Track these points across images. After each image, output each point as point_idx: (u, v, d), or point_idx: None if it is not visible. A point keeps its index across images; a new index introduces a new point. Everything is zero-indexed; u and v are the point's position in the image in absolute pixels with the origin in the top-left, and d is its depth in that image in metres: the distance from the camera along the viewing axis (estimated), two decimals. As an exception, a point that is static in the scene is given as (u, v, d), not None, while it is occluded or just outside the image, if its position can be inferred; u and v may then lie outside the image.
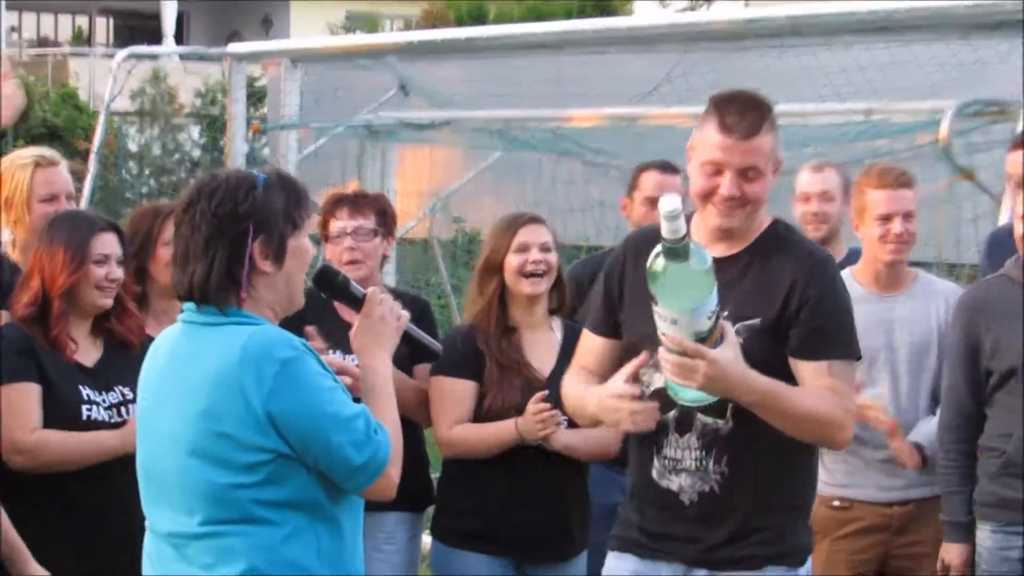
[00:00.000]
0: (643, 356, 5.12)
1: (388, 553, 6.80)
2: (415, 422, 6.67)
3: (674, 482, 5.37)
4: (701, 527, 5.39)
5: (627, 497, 5.62)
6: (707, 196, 5.31)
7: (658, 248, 4.87)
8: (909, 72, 11.31)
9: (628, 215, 7.69)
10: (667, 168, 7.73)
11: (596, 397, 5.23)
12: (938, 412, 6.78)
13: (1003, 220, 7.84)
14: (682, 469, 5.35)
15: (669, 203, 4.72)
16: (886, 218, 6.76)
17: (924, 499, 6.86)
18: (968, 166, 8.95)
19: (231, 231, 4.41)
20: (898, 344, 6.79)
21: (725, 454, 5.28)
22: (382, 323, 4.73)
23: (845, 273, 6.58)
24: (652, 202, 7.46)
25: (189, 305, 4.52)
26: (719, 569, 5.40)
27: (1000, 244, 7.39)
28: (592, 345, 5.48)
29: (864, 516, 6.75)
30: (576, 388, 5.44)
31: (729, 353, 4.95)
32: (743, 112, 5.27)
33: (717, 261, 5.01)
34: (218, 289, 4.42)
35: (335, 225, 6.86)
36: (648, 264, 4.93)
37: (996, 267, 7.08)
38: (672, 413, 5.31)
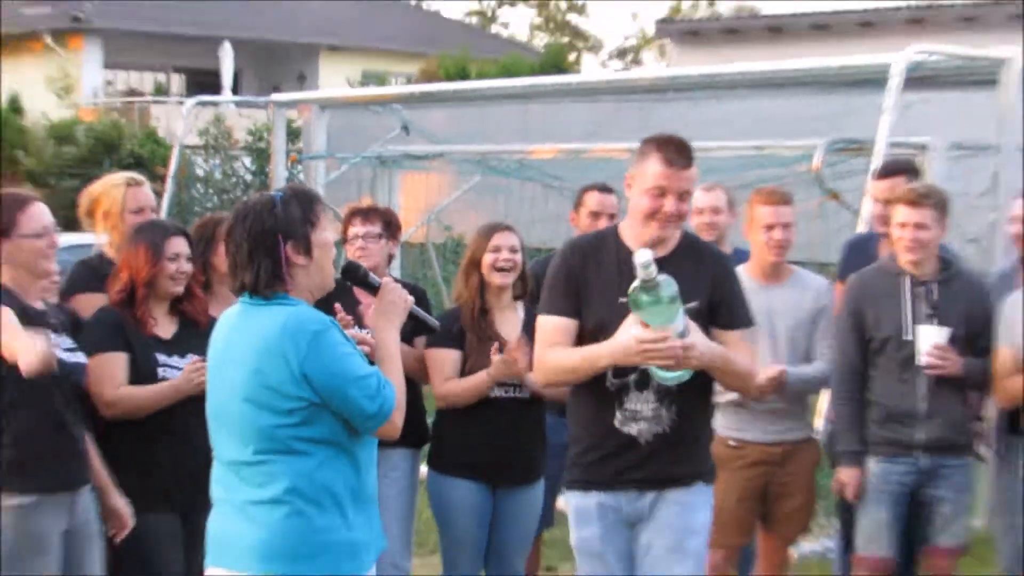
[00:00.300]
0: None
1: (394, 479, 6.76)
2: (416, 381, 6.69)
3: (634, 428, 5.41)
4: (652, 460, 5.44)
5: (581, 447, 5.56)
6: (652, 214, 5.35)
7: (637, 283, 4.96)
8: (790, 117, 11.37)
9: (576, 225, 7.64)
10: (605, 189, 7.67)
11: (610, 347, 5.20)
12: (817, 367, 6.83)
13: (860, 230, 7.90)
14: (641, 418, 5.40)
15: (643, 256, 4.89)
16: (770, 227, 6.76)
17: (797, 441, 6.88)
18: (834, 189, 8.98)
19: (265, 243, 4.50)
20: (777, 322, 6.79)
21: (675, 404, 5.36)
22: (392, 305, 4.78)
23: (738, 268, 6.68)
24: (594, 215, 7.54)
25: (243, 295, 4.60)
26: (665, 488, 5.47)
27: (854, 247, 7.51)
28: (560, 325, 5.42)
29: (752, 453, 6.74)
30: (563, 353, 5.40)
31: (701, 338, 5.14)
32: (680, 150, 5.36)
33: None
34: (266, 286, 4.51)
35: (350, 231, 6.90)
36: (631, 296, 5.03)
37: (851, 265, 7.19)
38: (632, 376, 5.36)
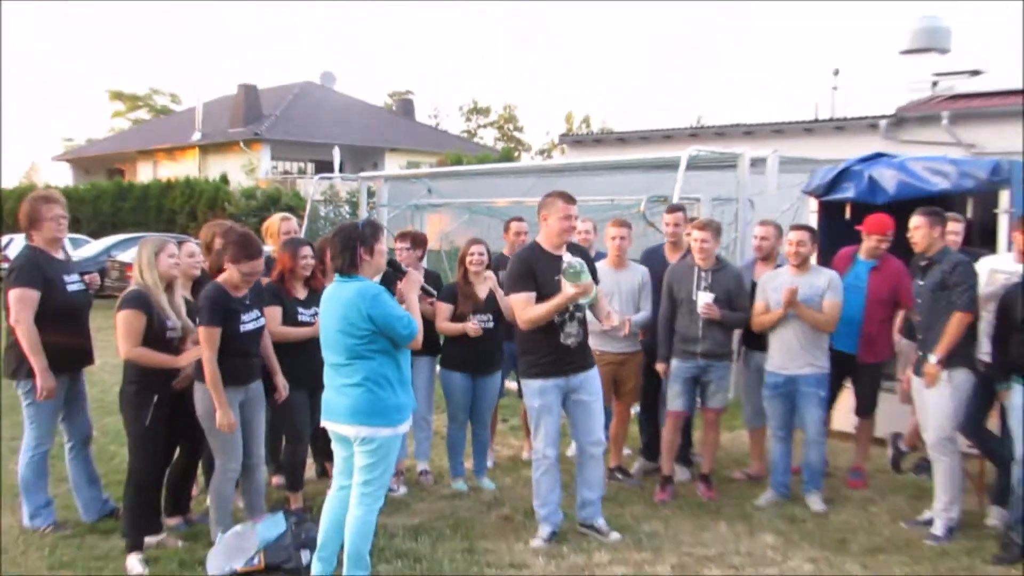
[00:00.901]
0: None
1: (421, 373, 6.66)
2: (433, 321, 6.60)
3: (569, 339, 5.47)
4: (573, 355, 5.51)
5: (538, 355, 5.47)
6: (565, 231, 5.46)
7: (565, 267, 5.19)
8: (629, 184, 11.29)
9: (505, 239, 7.55)
10: (519, 220, 7.59)
11: (559, 298, 5.26)
12: (643, 315, 6.71)
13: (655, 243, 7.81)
14: (570, 334, 5.47)
15: (571, 260, 5.20)
16: (614, 238, 6.73)
17: (630, 352, 6.76)
18: (652, 221, 8.93)
19: (350, 244, 4.55)
20: (623, 290, 6.70)
21: (581, 327, 5.49)
22: (411, 283, 4.84)
23: (600, 261, 6.62)
24: (517, 234, 7.42)
25: (338, 275, 4.60)
26: (580, 371, 5.54)
27: (649, 251, 7.39)
28: (529, 297, 5.39)
29: (607, 358, 6.61)
30: (535, 308, 5.36)
31: (594, 282, 5.34)
32: (569, 197, 5.45)
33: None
34: (348, 267, 4.55)
35: (398, 244, 6.71)
36: (564, 272, 5.20)
37: (646, 260, 7.11)
38: (567, 315, 5.45)
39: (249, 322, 5.28)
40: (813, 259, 6.51)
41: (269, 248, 6.62)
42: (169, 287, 5.38)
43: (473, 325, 6.44)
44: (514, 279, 5.48)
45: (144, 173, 37.47)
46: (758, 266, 6.89)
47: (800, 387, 6.32)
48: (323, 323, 4.68)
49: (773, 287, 6.41)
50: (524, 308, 5.40)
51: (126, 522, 5.32)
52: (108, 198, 29.06)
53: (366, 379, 4.55)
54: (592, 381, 5.63)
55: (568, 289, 5.20)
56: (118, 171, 40.23)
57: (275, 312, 5.86)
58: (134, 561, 5.17)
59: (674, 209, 7.24)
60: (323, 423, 4.74)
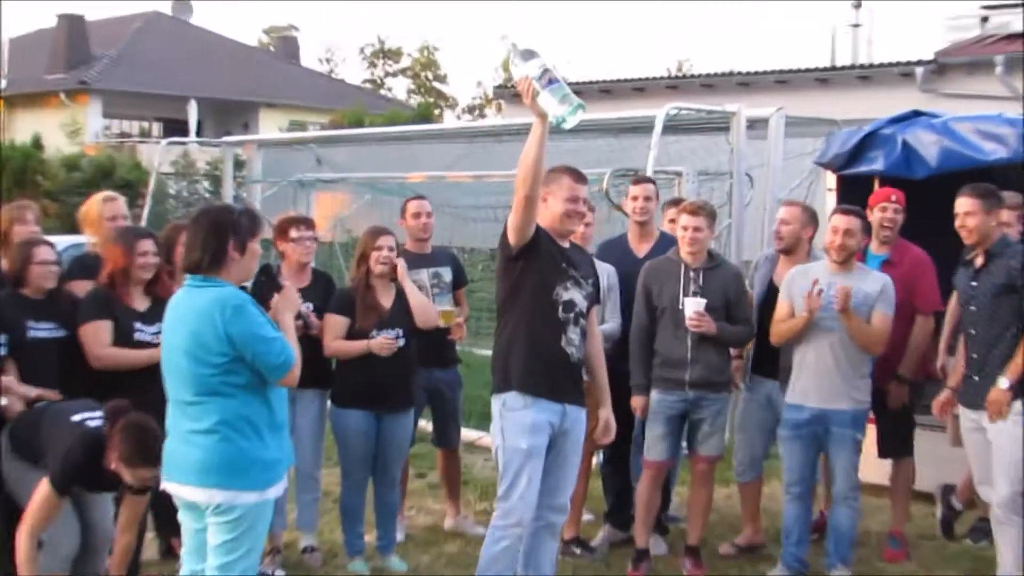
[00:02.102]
0: None
1: (307, 412, 6.62)
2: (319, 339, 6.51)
3: (571, 348, 5.41)
4: (573, 373, 5.46)
5: (532, 360, 5.32)
6: (570, 218, 5.39)
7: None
8: (586, 153, 11.25)
9: (402, 226, 7.38)
10: (420, 197, 7.52)
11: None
12: (609, 326, 6.69)
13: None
14: (572, 341, 5.39)
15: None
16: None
17: (587, 381, 6.60)
18: (617, 202, 8.90)
19: (218, 234, 4.49)
20: None
21: (582, 337, 5.46)
22: (289, 303, 4.80)
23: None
24: (416, 217, 7.30)
25: (190, 276, 4.51)
26: (574, 404, 5.46)
27: (606, 247, 7.35)
28: None
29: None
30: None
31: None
32: (579, 175, 5.46)
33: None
34: (208, 265, 4.46)
35: (296, 233, 6.59)
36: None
37: (603, 253, 7.07)
38: (572, 314, 5.37)
39: (39, 330, 5.44)
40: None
41: (88, 239, 6.53)
42: None
43: (385, 340, 6.36)
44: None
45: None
46: (782, 263, 6.80)
47: (832, 427, 6.26)
48: (166, 343, 4.59)
49: (803, 286, 6.23)
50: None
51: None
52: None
53: (222, 423, 4.42)
54: (581, 426, 5.52)
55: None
56: None
57: (101, 327, 5.82)
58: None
59: (642, 180, 7.21)
60: (164, 484, 4.63)
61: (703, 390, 6.41)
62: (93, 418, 5.36)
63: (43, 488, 5.18)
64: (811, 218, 6.83)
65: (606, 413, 5.69)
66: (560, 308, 5.33)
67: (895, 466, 7.06)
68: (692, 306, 6.31)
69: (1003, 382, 5.71)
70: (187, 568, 4.70)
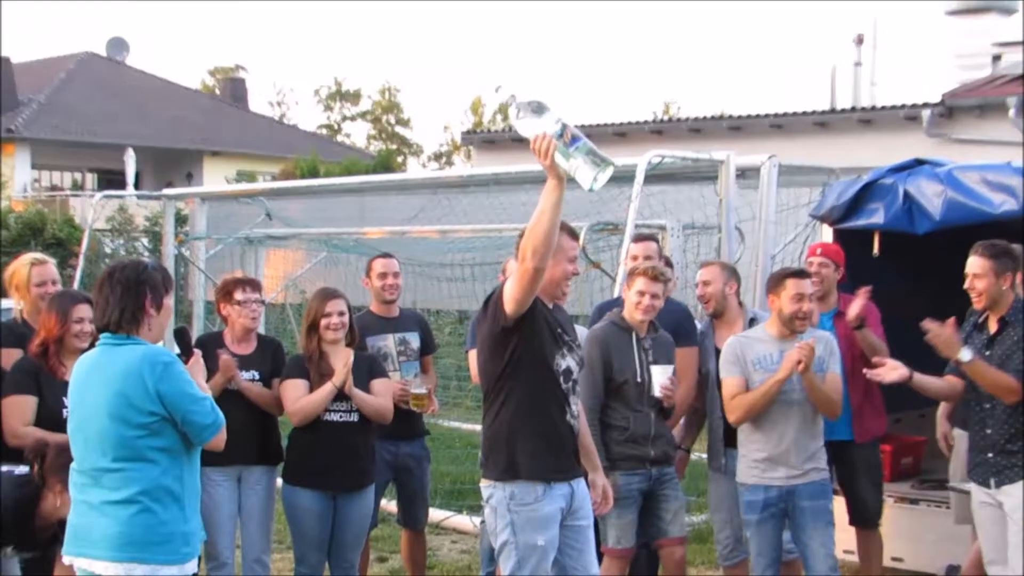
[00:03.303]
0: None
1: (256, 491, 6.68)
2: (272, 414, 6.66)
3: (573, 420, 5.39)
4: (575, 445, 5.44)
5: (539, 441, 5.25)
6: (566, 279, 5.41)
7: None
8: (563, 205, 11.40)
9: (367, 286, 7.55)
10: (387, 256, 7.61)
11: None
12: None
13: (616, 293, 7.86)
14: (574, 414, 5.40)
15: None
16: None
17: None
18: (596, 259, 9.01)
19: (133, 291, 4.66)
20: None
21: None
22: (199, 368, 4.90)
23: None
24: (382, 277, 7.40)
25: (105, 335, 4.69)
26: (578, 478, 5.45)
27: (601, 308, 7.39)
28: None
29: None
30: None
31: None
32: (572, 231, 5.51)
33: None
34: (128, 323, 4.65)
35: (241, 295, 6.69)
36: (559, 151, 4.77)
37: (598, 318, 7.06)
38: (570, 384, 5.35)
39: None
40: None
41: (13, 304, 6.56)
42: None
43: (346, 367, 6.44)
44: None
45: None
46: (717, 329, 6.94)
47: (801, 501, 6.34)
48: (80, 406, 4.69)
49: (756, 356, 6.36)
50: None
51: None
52: None
53: (143, 493, 4.55)
54: (587, 498, 5.52)
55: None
56: None
57: (25, 403, 5.87)
58: None
59: (643, 238, 7.30)
60: (70, 559, 4.72)
61: (663, 465, 6.51)
62: (12, 469, 5.43)
63: None
64: (732, 273, 7.00)
65: (601, 479, 5.72)
66: (561, 379, 5.32)
67: (862, 537, 7.22)
68: (662, 375, 6.40)
69: (966, 353, 5.88)
70: None
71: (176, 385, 4.54)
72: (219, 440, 4.69)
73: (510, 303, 5.09)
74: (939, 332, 6.01)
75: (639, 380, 6.43)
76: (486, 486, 5.36)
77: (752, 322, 6.78)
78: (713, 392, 6.84)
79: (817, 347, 6.22)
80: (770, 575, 6.46)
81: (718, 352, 6.71)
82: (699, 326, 7.28)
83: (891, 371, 6.20)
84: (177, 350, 5.04)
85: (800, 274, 6.47)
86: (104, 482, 4.57)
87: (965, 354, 5.94)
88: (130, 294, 4.63)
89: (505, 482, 5.26)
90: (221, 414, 4.67)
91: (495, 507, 5.29)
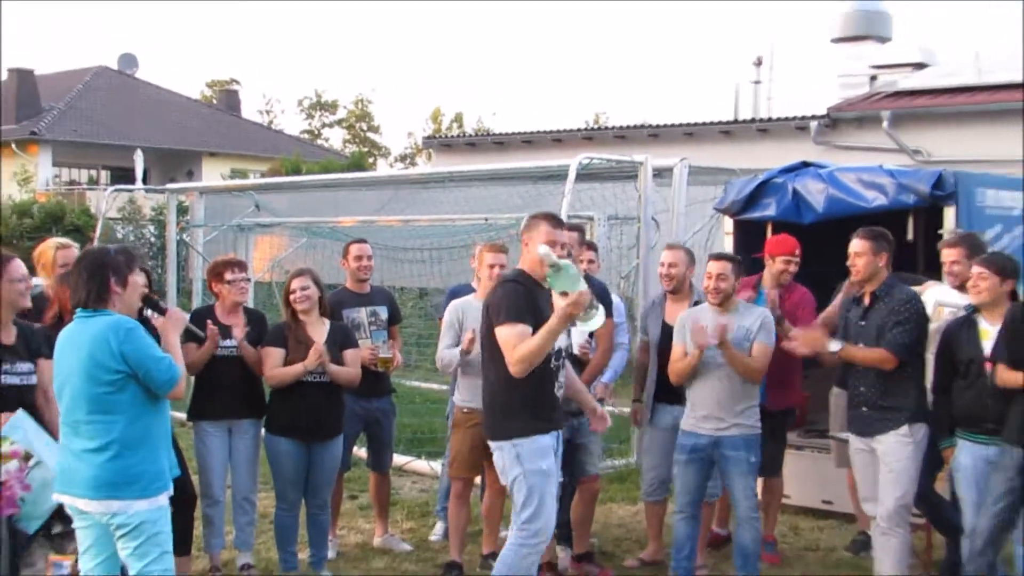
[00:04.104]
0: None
1: (244, 439, 6.66)
2: (256, 374, 6.61)
3: (559, 391, 5.48)
4: (560, 409, 5.53)
5: (536, 406, 5.35)
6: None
7: (548, 270, 5.04)
8: (506, 199, 11.41)
9: (344, 267, 7.46)
10: (361, 241, 7.54)
11: (552, 319, 5.10)
12: None
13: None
14: (560, 385, 5.48)
15: (543, 249, 5.07)
16: (492, 266, 6.58)
17: None
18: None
19: (97, 274, 4.68)
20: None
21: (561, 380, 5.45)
22: (175, 322, 4.99)
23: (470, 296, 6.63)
24: (358, 259, 7.36)
25: (80, 310, 4.71)
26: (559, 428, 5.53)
27: (454, 292, 7.38)
28: (525, 331, 5.19)
29: (476, 417, 6.31)
30: (529, 341, 5.16)
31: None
32: (557, 219, 5.52)
33: None
34: (94, 302, 4.67)
35: (230, 276, 6.64)
36: (548, 278, 5.09)
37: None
38: (561, 359, 5.46)
39: (13, 375, 5.18)
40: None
41: (41, 281, 6.45)
42: None
43: (317, 352, 6.40)
44: (511, 308, 5.27)
45: None
46: (668, 303, 6.92)
47: (726, 451, 6.33)
48: (60, 369, 4.71)
49: (698, 328, 6.34)
50: (517, 344, 5.21)
51: None
52: None
53: (114, 442, 4.59)
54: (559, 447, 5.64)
55: (564, 302, 5.02)
56: None
57: (45, 368, 5.70)
58: None
59: (570, 228, 7.32)
60: (57, 496, 4.78)
61: (580, 416, 6.40)
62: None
63: None
64: (692, 259, 6.99)
65: (598, 408, 5.84)
66: (552, 359, 5.37)
67: (766, 483, 7.24)
68: (580, 336, 6.47)
69: (834, 344, 5.95)
70: (84, 568, 4.82)
71: (137, 346, 4.58)
72: (177, 391, 4.72)
73: (518, 366, 5.21)
74: (804, 336, 6.14)
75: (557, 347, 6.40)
76: (495, 445, 5.47)
77: (697, 303, 6.75)
78: (652, 356, 6.85)
79: (748, 320, 6.33)
80: (689, 512, 6.49)
81: (663, 326, 6.77)
82: (652, 298, 7.34)
83: (802, 347, 6.26)
84: (157, 316, 5.09)
85: (717, 256, 6.51)
86: (82, 432, 4.63)
87: (834, 345, 6.04)
88: (95, 277, 4.66)
89: (508, 439, 5.36)
90: (177, 370, 4.69)
91: (505, 456, 5.40)
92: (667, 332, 6.71)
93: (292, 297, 6.60)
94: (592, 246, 7.42)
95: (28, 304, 5.52)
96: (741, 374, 6.25)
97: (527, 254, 5.39)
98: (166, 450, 4.78)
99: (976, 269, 5.82)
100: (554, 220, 5.48)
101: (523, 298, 5.28)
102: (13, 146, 33.78)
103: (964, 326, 5.89)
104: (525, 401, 5.35)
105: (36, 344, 5.35)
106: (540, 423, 5.37)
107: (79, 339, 4.62)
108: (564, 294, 5.02)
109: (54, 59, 75.44)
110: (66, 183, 35.51)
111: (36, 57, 71.62)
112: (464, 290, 7.16)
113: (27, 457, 4.99)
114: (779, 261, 7.01)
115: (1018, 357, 5.44)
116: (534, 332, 5.19)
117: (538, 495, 5.30)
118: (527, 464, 5.31)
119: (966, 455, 5.78)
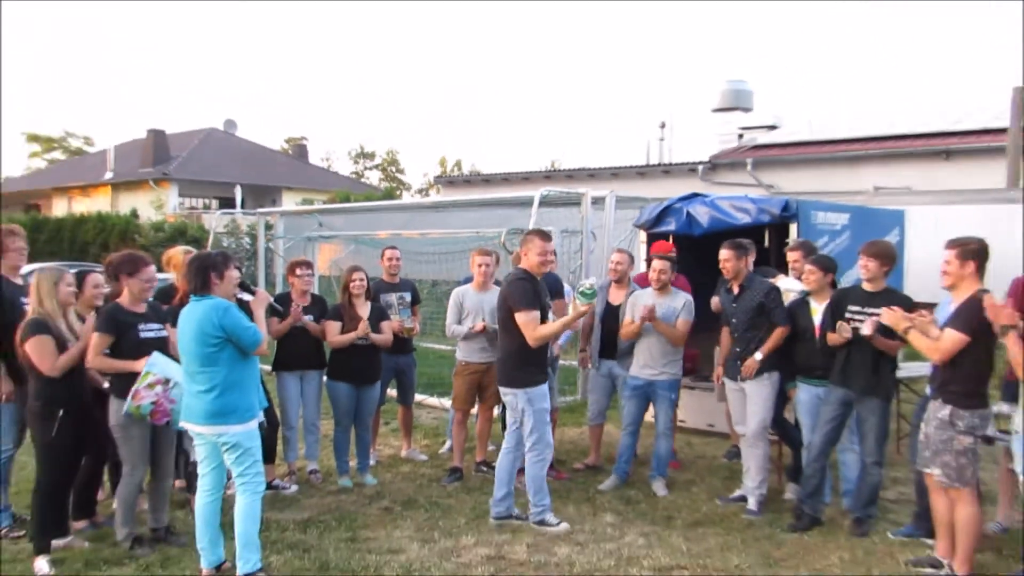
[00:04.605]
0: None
1: (311, 384, 6.60)
2: (321, 339, 6.53)
3: (552, 351, 5.57)
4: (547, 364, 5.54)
5: (539, 365, 5.43)
6: (544, 264, 5.42)
7: (583, 287, 5.23)
8: (493, 218, 11.34)
9: (381, 265, 7.34)
10: (392, 248, 7.41)
11: (569, 317, 5.35)
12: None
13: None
14: (551, 351, 5.56)
15: (590, 281, 5.27)
16: (480, 265, 6.57)
17: (490, 362, 6.50)
18: (512, 250, 8.95)
19: (202, 270, 4.62)
20: (485, 308, 6.57)
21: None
22: (259, 300, 4.85)
23: (467, 285, 6.58)
24: (389, 260, 7.24)
25: (192, 296, 4.64)
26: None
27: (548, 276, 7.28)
28: (537, 317, 5.31)
29: (472, 367, 6.54)
30: (548, 325, 5.34)
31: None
32: (546, 235, 5.49)
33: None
34: (201, 288, 4.60)
35: (300, 272, 6.59)
36: (579, 291, 5.24)
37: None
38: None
39: (149, 331, 5.08)
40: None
41: (170, 276, 6.38)
42: (63, 313, 5.09)
43: (364, 326, 6.37)
44: (524, 298, 5.32)
45: (59, 208, 35.50)
46: (612, 288, 6.87)
47: (657, 390, 6.35)
48: (180, 337, 4.65)
49: (640, 305, 6.39)
50: (535, 326, 5.31)
51: (34, 527, 5.00)
52: (24, 230, 27.39)
53: (216, 385, 4.54)
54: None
55: (580, 307, 5.23)
56: (34, 207, 38.00)
57: (172, 333, 5.62)
58: (41, 563, 4.88)
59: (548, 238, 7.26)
60: (182, 423, 4.71)
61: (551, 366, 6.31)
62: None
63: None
64: (632, 259, 6.96)
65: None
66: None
67: None
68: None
69: (758, 355, 5.91)
70: (201, 472, 4.73)
71: (231, 319, 4.52)
72: (261, 349, 4.60)
73: (535, 341, 5.34)
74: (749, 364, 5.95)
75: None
76: (510, 391, 5.51)
77: (632, 292, 6.69)
78: (596, 324, 6.78)
79: (676, 302, 6.33)
80: (630, 430, 6.51)
81: (607, 304, 6.73)
82: (601, 283, 7.24)
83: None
84: (249, 297, 4.88)
85: (661, 257, 6.44)
86: (196, 379, 4.59)
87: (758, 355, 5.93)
88: (200, 273, 4.59)
89: (522, 387, 5.44)
90: (261, 336, 4.59)
91: (519, 401, 5.47)
92: (610, 309, 6.69)
93: (352, 285, 6.52)
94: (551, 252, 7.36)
95: (150, 296, 5.32)
96: (668, 339, 6.27)
97: (525, 261, 5.47)
98: (255, 391, 4.70)
99: (808, 266, 5.86)
100: (544, 235, 5.49)
101: (531, 290, 5.36)
102: (151, 183, 33.48)
103: (801, 305, 5.91)
104: (532, 360, 5.43)
105: (163, 315, 5.26)
106: (541, 375, 5.46)
107: (192, 315, 4.57)
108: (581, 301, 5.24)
109: (179, 121, 74.54)
110: (188, 208, 35.15)
111: (165, 119, 71.23)
112: (466, 281, 7.12)
113: (166, 382, 4.92)
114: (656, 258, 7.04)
115: (834, 326, 5.47)
116: (540, 311, 5.32)
117: (541, 425, 5.42)
118: (535, 405, 5.41)
119: (804, 392, 5.81)
